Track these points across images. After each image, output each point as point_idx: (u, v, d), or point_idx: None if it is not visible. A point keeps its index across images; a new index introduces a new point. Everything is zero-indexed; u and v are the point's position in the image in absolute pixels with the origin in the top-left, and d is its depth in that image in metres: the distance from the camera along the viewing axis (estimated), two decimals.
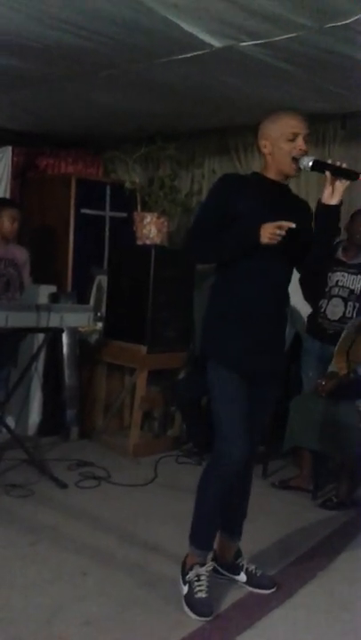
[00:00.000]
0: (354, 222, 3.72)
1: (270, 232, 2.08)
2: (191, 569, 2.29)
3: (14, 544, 2.69)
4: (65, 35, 2.73)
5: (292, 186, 2.44)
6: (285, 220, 2.11)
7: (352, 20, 2.39)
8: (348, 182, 2.14)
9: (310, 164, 2.16)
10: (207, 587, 2.25)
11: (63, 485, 3.37)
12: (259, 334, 2.24)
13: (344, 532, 3.02)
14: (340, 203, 2.19)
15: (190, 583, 2.26)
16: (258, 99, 3.61)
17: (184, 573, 2.32)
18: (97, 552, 2.66)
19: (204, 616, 2.19)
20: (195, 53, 2.87)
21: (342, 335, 3.58)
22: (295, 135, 2.18)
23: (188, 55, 2.91)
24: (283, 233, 2.09)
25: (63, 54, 3.00)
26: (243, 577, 2.41)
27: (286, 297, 2.38)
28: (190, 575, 2.28)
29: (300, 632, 2.18)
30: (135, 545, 2.75)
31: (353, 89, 3.39)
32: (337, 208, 2.19)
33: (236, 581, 2.42)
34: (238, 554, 2.45)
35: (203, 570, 2.28)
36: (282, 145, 2.18)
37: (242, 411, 2.21)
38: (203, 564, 2.30)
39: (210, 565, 2.32)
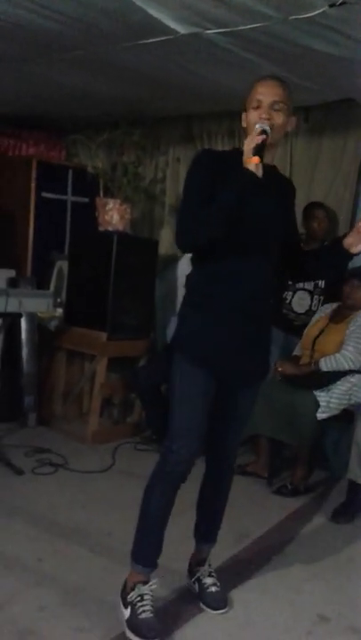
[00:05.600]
0: (308, 219, 3.83)
1: (249, 147, 1.86)
2: (133, 589, 2.03)
3: None
4: (28, 13, 2.67)
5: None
6: (267, 202, 1.98)
7: (316, 12, 2.40)
8: None
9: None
10: (152, 606, 2.01)
11: (19, 472, 3.35)
12: (234, 332, 2.03)
13: (298, 518, 3.10)
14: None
15: (133, 604, 2.01)
16: (223, 87, 3.60)
17: (125, 595, 2.05)
18: (52, 538, 2.65)
19: (152, 639, 1.96)
20: (160, 38, 2.85)
21: (313, 319, 3.64)
22: (259, 102, 1.95)
23: (154, 40, 2.88)
24: (262, 135, 1.87)
25: (26, 33, 2.93)
26: (195, 587, 2.26)
27: (270, 295, 2.14)
28: (132, 595, 2.02)
29: (253, 615, 2.23)
30: (91, 531, 2.75)
31: (316, 82, 3.41)
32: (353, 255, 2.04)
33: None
34: (201, 562, 2.27)
35: (146, 588, 2.03)
36: (250, 114, 1.97)
37: (199, 409, 2.01)
38: (146, 583, 2.04)
39: (154, 583, 2.05)
